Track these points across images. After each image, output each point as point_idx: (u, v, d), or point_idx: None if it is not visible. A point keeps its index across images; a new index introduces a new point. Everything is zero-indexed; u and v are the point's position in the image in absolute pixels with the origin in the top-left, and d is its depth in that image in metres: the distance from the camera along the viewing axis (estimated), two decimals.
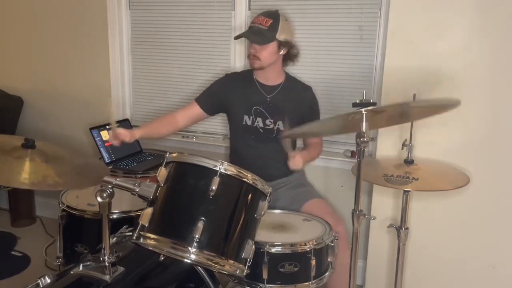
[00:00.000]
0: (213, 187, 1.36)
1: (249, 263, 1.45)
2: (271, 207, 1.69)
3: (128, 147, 2.68)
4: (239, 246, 1.42)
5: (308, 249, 1.63)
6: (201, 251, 1.33)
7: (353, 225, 1.54)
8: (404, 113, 1.70)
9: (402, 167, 1.81)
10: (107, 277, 1.36)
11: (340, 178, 2.52)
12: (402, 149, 1.86)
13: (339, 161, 2.49)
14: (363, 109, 1.43)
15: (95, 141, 2.51)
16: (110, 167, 2.43)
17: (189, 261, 1.34)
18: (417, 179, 1.70)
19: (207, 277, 1.60)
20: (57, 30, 3.00)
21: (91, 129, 2.53)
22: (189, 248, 1.32)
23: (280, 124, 2.15)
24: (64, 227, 1.86)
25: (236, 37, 2.11)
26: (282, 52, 2.09)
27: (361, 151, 1.46)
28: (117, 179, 1.40)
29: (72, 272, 1.39)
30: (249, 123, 2.16)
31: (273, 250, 1.60)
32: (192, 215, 1.36)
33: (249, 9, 2.58)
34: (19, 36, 3.13)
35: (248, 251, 1.43)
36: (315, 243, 1.64)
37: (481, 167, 2.00)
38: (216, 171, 1.38)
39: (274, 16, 2.04)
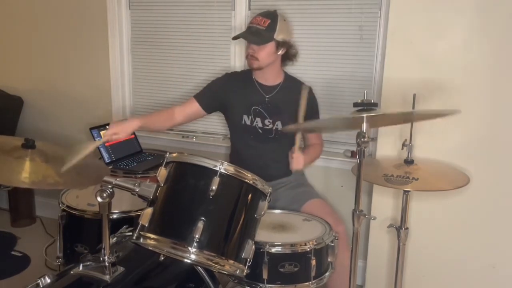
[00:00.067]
0: (213, 187, 1.36)
1: (249, 263, 1.45)
2: (271, 207, 1.69)
3: (128, 147, 2.68)
4: (239, 246, 1.42)
5: (308, 249, 1.63)
6: (201, 251, 1.33)
7: (353, 225, 1.54)
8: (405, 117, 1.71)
9: (402, 167, 1.81)
10: (107, 277, 1.36)
11: (340, 178, 2.52)
12: (402, 149, 1.86)
13: (339, 161, 2.49)
14: (364, 115, 1.43)
15: (95, 141, 2.51)
16: (110, 167, 2.43)
17: (189, 261, 1.34)
18: (417, 179, 1.70)
19: (207, 277, 1.60)
20: (57, 30, 3.00)
21: (91, 129, 2.53)
22: (189, 248, 1.32)
23: (279, 124, 2.15)
24: (64, 227, 1.86)
25: (234, 38, 2.11)
26: (280, 52, 2.09)
27: (361, 151, 1.47)
28: (117, 179, 1.40)
29: (72, 272, 1.39)
30: (248, 123, 2.16)
31: (273, 250, 1.60)
32: (192, 215, 1.36)
33: (249, 9, 2.58)
34: (19, 36, 3.13)
35: (248, 251, 1.43)
36: (315, 243, 1.64)
37: (481, 167, 2.00)
38: (216, 171, 1.38)
39: (272, 16, 2.04)
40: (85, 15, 2.90)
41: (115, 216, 1.79)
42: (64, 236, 1.87)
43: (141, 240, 1.37)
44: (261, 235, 1.63)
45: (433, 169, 1.87)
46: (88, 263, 1.40)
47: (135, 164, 2.54)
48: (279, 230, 1.77)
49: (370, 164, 1.98)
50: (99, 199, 1.36)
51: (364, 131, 1.45)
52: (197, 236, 1.32)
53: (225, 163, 1.39)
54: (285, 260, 1.61)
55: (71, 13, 2.93)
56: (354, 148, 2.39)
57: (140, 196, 1.42)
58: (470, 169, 1.89)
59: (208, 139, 2.80)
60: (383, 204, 2.21)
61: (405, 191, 1.81)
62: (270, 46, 2.04)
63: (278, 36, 2.03)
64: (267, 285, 1.60)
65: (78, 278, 1.38)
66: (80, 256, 1.47)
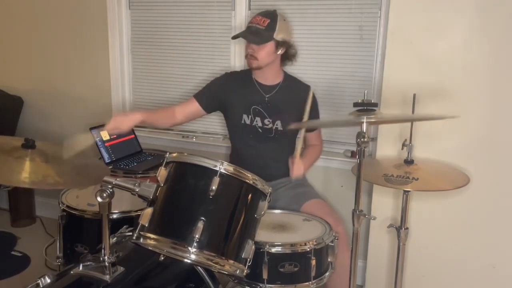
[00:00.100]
0: (213, 187, 1.36)
1: (249, 263, 1.45)
2: (271, 207, 1.69)
3: (128, 147, 2.68)
4: (239, 246, 1.42)
5: (308, 249, 1.63)
6: (201, 251, 1.33)
7: (353, 225, 1.54)
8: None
9: (402, 167, 1.81)
10: (107, 277, 1.36)
11: (340, 178, 2.52)
12: (402, 149, 1.86)
13: (339, 161, 2.49)
14: (364, 120, 1.44)
15: (95, 141, 2.51)
16: (110, 167, 2.43)
17: (189, 261, 1.33)
18: (417, 179, 1.70)
19: (207, 277, 1.60)
20: (57, 30, 3.00)
21: (91, 129, 2.53)
22: (189, 248, 1.32)
23: (278, 124, 2.15)
24: (64, 227, 1.86)
25: (234, 37, 2.11)
26: (280, 52, 2.09)
27: (361, 151, 1.47)
28: (117, 179, 1.40)
29: (72, 272, 1.39)
30: (247, 122, 2.16)
31: (273, 250, 1.60)
32: (192, 215, 1.36)
33: (249, 9, 2.58)
34: (19, 36, 3.13)
35: (248, 251, 1.43)
36: (315, 243, 1.64)
37: (481, 167, 2.00)
38: (216, 171, 1.38)
39: (271, 16, 2.04)
40: (85, 15, 2.90)
41: (115, 216, 1.79)
42: (64, 236, 1.87)
43: (141, 240, 1.37)
44: (261, 235, 1.63)
45: (433, 169, 1.87)
46: (88, 263, 1.40)
47: (135, 164, 2.54)
48: (279, 230, 1.76)
49: (370, 164, 1.98)
50: (99, 199, 1.36)
51: (364, 131, 1.45)
52: (197, 236, 1.31)
53: (225, 163, 1.39)
54: (285, 260, 1.61)
55: (71, 13, 2.93)
56: (354, 148, 2.39)
57: (140, 196, 1.42)
58: (470, 169, 1.90)
59: (208, 139, 2.80)
60: (383, 204, 2.21)
61: (405, 191, 1.81)
62: (270, 45, 2.04)
63: (278, 35, 2.03)
64: (267, 285, 1.60)
65: (78, 278, 1.37)
66: (80, 256, 1.47)
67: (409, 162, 1.83)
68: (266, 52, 2.05)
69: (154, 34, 2.84)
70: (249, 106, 2.16)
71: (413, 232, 1.95)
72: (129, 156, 2.63)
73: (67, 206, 1.85)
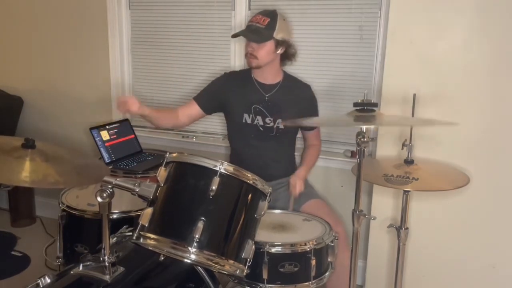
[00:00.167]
0: (213, 187, 1.35)
1: (249, 263, 1.45)
2: (271, 207, 1.69)
3: (128, 147, 2.68)
4: (239, 246, 1.42)
5: (308, 249, 1.62)
6: (201, 251, 1.33)
7: (353, 225, 1.54)
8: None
9: (402, 167, 1.81)
10: (107, 277, 1.36)
11: (340, 178, 2.52)
12: (402, 149, 1.86)
13: (339, 161, 2.49)
14: (363, 127, 1.44)
15: (95, 141, 2.51)
16: (110, 167, 2.43)
17: (189, 261, 1.33)
18: (417, 179, 1.70)
19: (207, 277, 1.59)
20: (57, 30, 3.00)
21: (91, 129, 2.53)
22: (189, 248, 1.32)
23: (279, 123, 2.15)
24: (64, 227, 1.86)
25: (234, 36, 2.11)
26: (279, 51, 2.09)
27: (361, 151, 1.47)
28: (117, 179, 1.40)
29: (72, 272, 1.38)
30: (248, 121, 2.16)
31: (273, 250, 1.60)
32: (192, 215, 1.36)
33: (249, 9, 2.58)
34: (19, 36, 3.13)
35: (248, 251, 1.43)
36: (315, 243, 1.64)
37: (481, 167, 2.00)
38: (216, 171, 1.38)
39: (272, 15, 2.05)
40: (85, 15, 2.90)
41: (115, 216, 1.79)
42: (64, 236, 1.87)
43: (141, 240, 1.37)
44: (261, 235, 1.63)
45: (433, 169, 1.87)
46: (88, 263, 1.40)
47: (135, 164, 2.54)
48: (279, 230, 1.76)
49: (370, 164, 1.98)
50: (99, 199, 1.36)
51: (364, 131, 1.45)
52: (197, 236, 1.31)
53: (225, 163, 1.39)
54: (285, 260, 1.61)
55: (71, 13, 2.93)
56: (354, 148, 2.39)
57: (140, 196, 1.42)
58: (470, 169, 1.89)
59: (208, 139, 2.80)
60: (383, 204, 2.21)
61: (405, 191, 1.81)
62: (269, 44, 2.05)
63: (278, 35, 2.03)
64: (267, 285, 1.60)
65: (78, 278, 1.37)
66: (80, 256, 1.47)
67: (409, 162, 1.83)
68: (265, 51, 2.05)
69: (154, 34, 2.84)
70: (249, 105, 2.16)
71: (413, 232, 1.95)
72: (129, 156, 2.63)
73: (67, 206, 1.85)
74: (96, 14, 2.86)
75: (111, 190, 1.37)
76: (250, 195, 1.45)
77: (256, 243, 1.50)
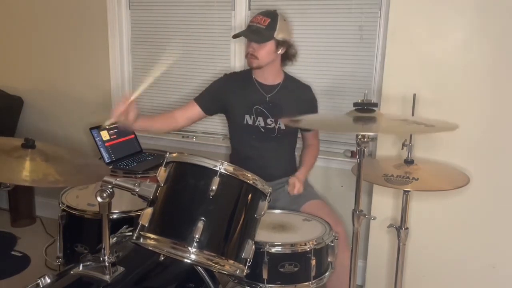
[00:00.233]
0: (213, 187, 1.35)
1: (249, 263, 1.45)
2: (271, 207, 1.69)
3: (128, 147, 2.68)
4: (239, 246, 1.42)
5: (308, 249, 1.62)
6: (201, 251, 1.33)
7: (353, 225, 1.54)
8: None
9: (402, 167, 1.81)
10: (107, 277, 1.36)
11: (340, 178, 2.52)
12: (402, 149, 1.86)
13: (339, 161, 2.49)
14: (363, 133, 1.44)
15: (95, 141, 2.51)
16: (110, 167, 2.43)
17: (189, 261, 1.33)
18: (417, 179, 1.70)
19: (207, 277, 1.59)
20: (57, 30, 3.00)
21: (91, 129, 2.53)
22: (189, 248, 1.32)
23: (281, 123, 2.15)
24: (64, 227, 1.86)
25: (234, 36, 2.11)
26: (280, 51, 2.09)
27: (361, 151, 1.47)
28: (117, 179, 1.40)
29: (72, 272, 1.38)
30: (250, 122, 2.16)
31: (273, 250, 1.60)
32: (192, 215, 1.36)
33: (249, 9, 2.58)
34: (19, 36, 3.13)
35: (248, 251, 1.43)
36: (315, 243, 1.64)
37: (481, 167, 2.00)
38: (216, 171, 1.38)
39: (272, 15, 2.05)
40: (85, 15, 2.90)
41: (115, 216, 1.79)
42: (64, 236, 1.87)
43: (141, 240, 1.37)
44: (261, 235, 1.63)
45: (433, 169, 1.87)
46: (88, 263, 1.40)
47: (135, 164, 2.54)
48: (279, 230, 1.76)
49: (370, 164, 1.98)
50: (99, 199, 1.36)
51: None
52: (197, 236, 1.31)
53: (225, 163, 1.39)
54: (285, 260, 1.61)
55: (71, 13, 2.93)
56: (354, 148, 2.39)
57: (140, 196, 1.42)
58: (470, 169, 1.89)
59: (208, 139, 2.80)
60: (383, 204, 2.21)
61: (405, 191, 1.81)
62: (270, 44, 2.05)
63: (278, 35, 2.03)
64: (267, 285, 1.60)
65: (78, 278, 1.37)
66: (80, 256, 1.47)
67: (409, 162, 1.83)
68: (266, 51, 2.05)
69: (154, 34, 2.84)
70: (250, 106, 2.16)
71: (413, 232, 1.95)
72: (129, 156, 2.63)
73: (67, 206, 1.85)
74: (96, 14, 2.86)
75: (111, 190, 1.37)
76: (250, 195, 1.45)
77: (256, 243, 1.50)
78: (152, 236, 1.36)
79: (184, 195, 1.41)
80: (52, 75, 3.09)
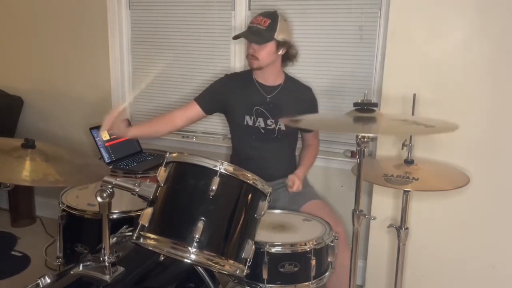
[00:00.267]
0: (213, 187, 1.36)
1: (249, 263, 1.45)
2: (271, 207, 1.69)
3: (128, 147, 2.68)
4: (239, 246, 1.42)
5: (308, 249, 1.63)
6: (201, 251, 1.33)
7: (353, 225, 1.54)
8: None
9: (402, 167, 1.81)
10: (107, 277, 1.36)
11: (340, 178, 2.52)
12: (402, 149, 1.86)
13: (339, 161, 2.49)
14: (362, 134, 1.44)
15: (95, 141, 2.51)
16: (110, 167, 2.43)
17: (189, 261, 1.33)
18: (417, 179, 1.70)
19: (207, 277, 1.60)
20: (57, 30, 3.00)
21: (91, 129, 2.53)
22: (189, 248, 1.32)
23: (281, 124, 2.15)
24: (64, 227, 1.86)
25: (235, 37, 2.11)
26: (280, 52, 2.09)
27: (361, 151, 1.47)
28: (117, 179, 1.40)
29: (72, 272, 1.38)
30: (250, 123, 2.16)
31: (273, 250, 1.60)
32: (192, 215, 1.36)
33: (249, 9, 2.58)
34: (19, 36, 3.13)
35: (248, 251, 1.43)
36: (315, 243, 1.64)
37: (481, 167, 2.00)
38: (216, 171, 1.38)
39: (272, 16, 2.05)
40: (85, 15, 2.90)
41: (115, 216, 1.79)
42: (64, 236, 1.87)
43: (141, 240, 1.37)
44: (261, 235, 1.63)
45: (433, 169, 1.87)
46: (88, 263, 1.40)
47: (135, 164, 2.54)
48: (279, 230, 1.76)
49: (370, 164, 1.98)
50: (99, 199, 1.36)
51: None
52: (197, 236, 1.31)
53: (225, 163, 1.39)
54: (285, 260, 1.61)
55: (71, 13, 2.93)
56: (354, 148, 2.39)
57: (140, 196, 1.42)
58: (470, 169, 1.90)
59: (208, 139, 2.80)
60: (383, 204, 2.21)
61: (405, 191, 1.81)
62: (271, 45, 2.04)
63: (279, 36, 2.03)
64: (267, 285, 1.60)
65: (78, 278, 1.37)
66: (80, 256, 1.47)
67: (409, 162, 1.83)
68: (267, 52, 2.05)
69: (154, 34, 2.84)
70: (251, 107, 2.15)
71: (413, 232, 1.95)
72: (129, 156, 2.63)
73: (67, 206, 1.85)
74: (96, 14, 2.86)
75: (111, 190, 1.37)
76: (250, 195, 1.45)
77: (256, 243, 1.50)
78: (152, 236, 1.36)
79: (184, 195, 1.41)
80: (52, 75, 3.09)
